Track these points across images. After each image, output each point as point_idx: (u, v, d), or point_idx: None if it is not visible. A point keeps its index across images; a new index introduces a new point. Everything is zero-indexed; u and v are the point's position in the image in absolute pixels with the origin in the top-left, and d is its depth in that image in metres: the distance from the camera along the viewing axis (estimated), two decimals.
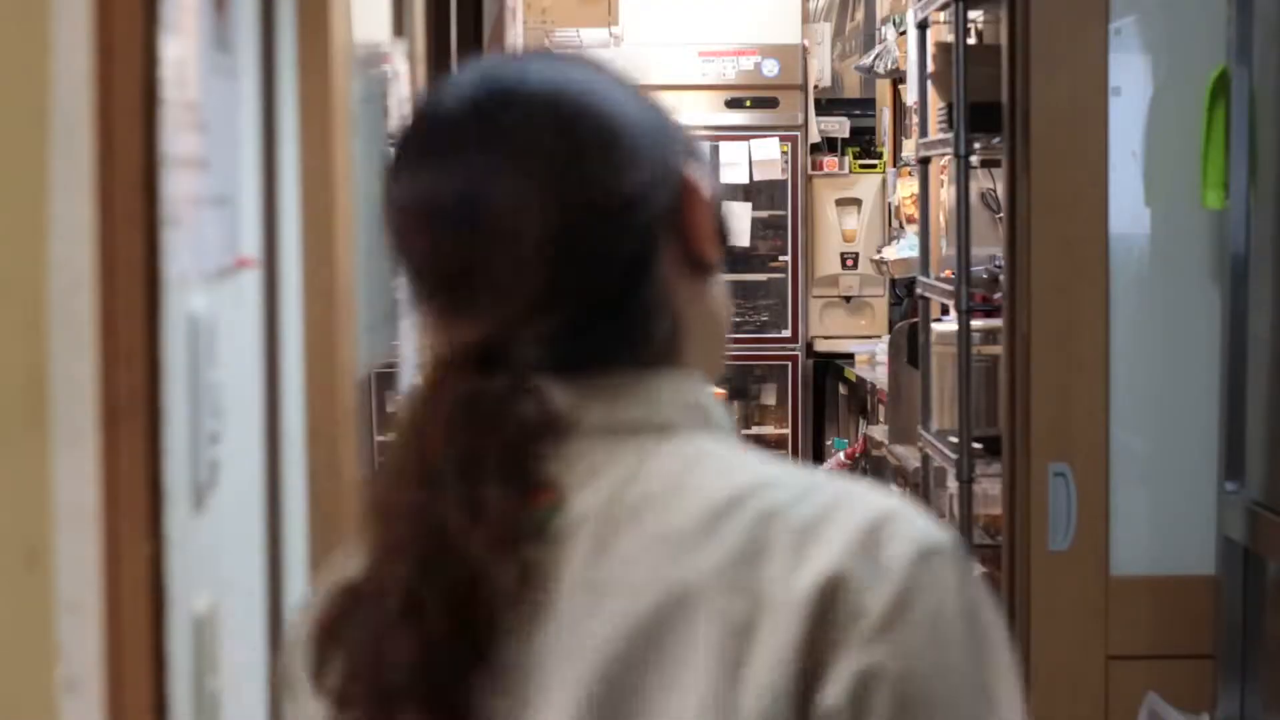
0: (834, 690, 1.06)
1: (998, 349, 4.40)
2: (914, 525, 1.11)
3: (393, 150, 1.24)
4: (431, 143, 1.20)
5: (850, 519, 1.10)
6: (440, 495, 1.14)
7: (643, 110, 1.22)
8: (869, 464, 7.14)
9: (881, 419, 7.15)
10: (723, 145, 9.02)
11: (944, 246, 5.73)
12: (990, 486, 4.60)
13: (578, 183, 1.17)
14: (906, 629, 1.07)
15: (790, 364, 9.07)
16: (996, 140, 4.26)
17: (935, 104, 5.27)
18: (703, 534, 1.11)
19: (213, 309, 1.61)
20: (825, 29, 9.48)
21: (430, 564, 1.13)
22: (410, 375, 3.15)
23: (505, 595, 1.12)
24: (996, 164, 4.96)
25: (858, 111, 9.45)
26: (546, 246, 1.16)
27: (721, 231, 1.25)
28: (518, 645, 1.13)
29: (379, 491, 1.19)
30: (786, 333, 9.03)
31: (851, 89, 9.64)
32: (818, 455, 8.90)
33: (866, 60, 8.12)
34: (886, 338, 7.19)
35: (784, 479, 1.14)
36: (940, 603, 1.09)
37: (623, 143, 1.19)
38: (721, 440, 1.19)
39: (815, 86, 9.25)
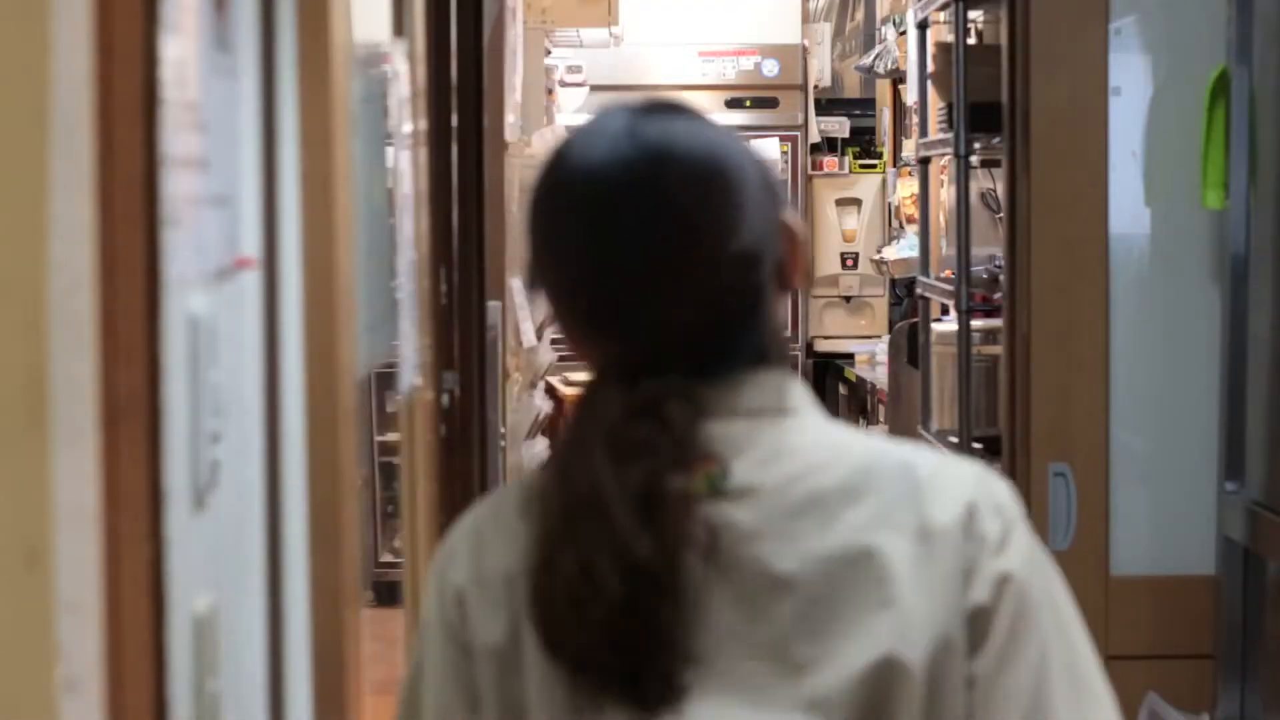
0: (980, 589, 1.47)
1: (998, 349, 4.40)
2: (997, 476, 1.54)
3: (541, 195, 1.53)
4: (591, 196, 1.49)
5: (960, 470, 1.52)
6: (627, 470, 1.45)
7: (754, 165, 1.53)
8: None
9: (881, 419, 7.15)
10: None
11: (944, 246, 5.74)
12: None
13: (720, 235, 1.49)
14: (1014, 545, 1.49)
15: (790, 364, 9.07)
16: (996, 140, 4.26)
17: (935, 104, 5.27)
18: (865, 484, 1.48)
19: (213, 309, 1.61)
20: (825, 29, 9.49)
21: (626, 522, 1.44)
22: (410, 375, 3.15)
23: (692, 544, 1.44)
24: (996, 164, 4.96)
25: (858, 111, 9.46)
26: (697, 287, 1.49)
27: (807, 264, 1.60)
28: (708, 586, 1.45)
29: (562, 470, 1.49)
30: (786, 333, 9.01)
31: (851, 89, 9.64)
32: None
33: (866, 60, 8.13)
34: (886, 338, 7.19)
35: (889, 445, 1.54)
36: (1025, 527, 1.52)
37: (749, 201, 1.50)
38: (825, 417, 1.55)
39: (815, 86, 9.25)
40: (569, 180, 1.51)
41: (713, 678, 1.46)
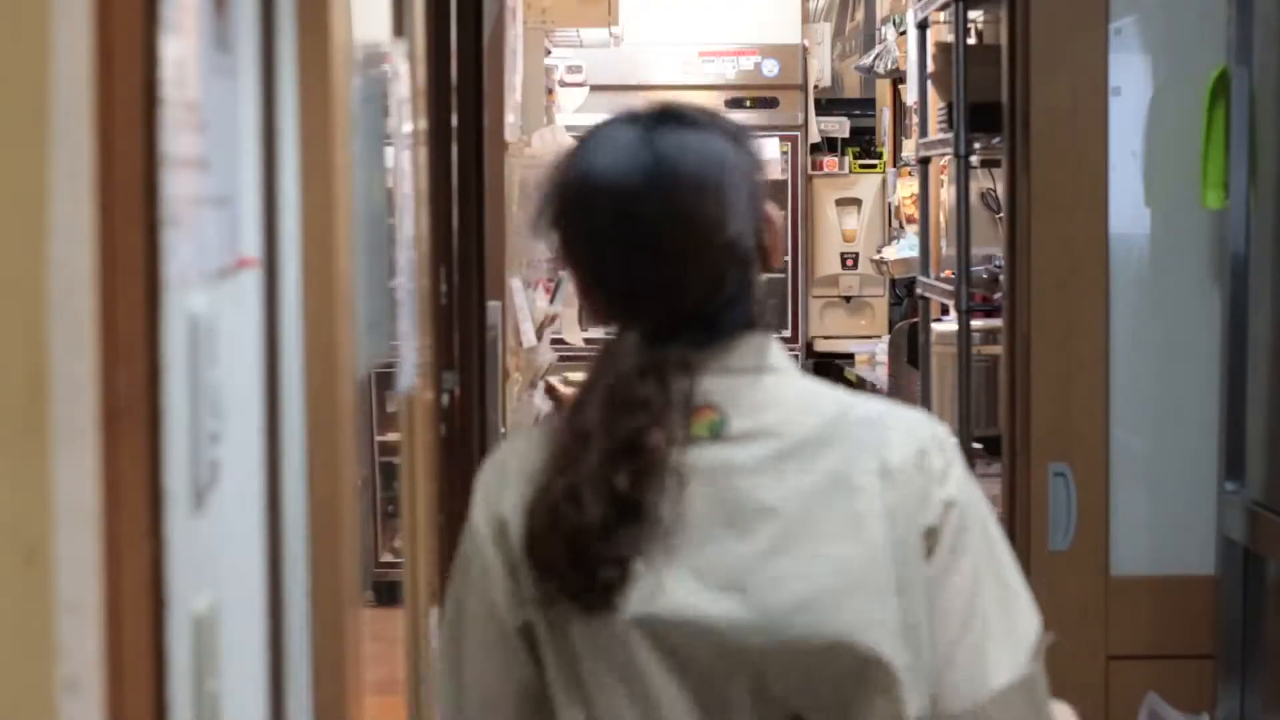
0: (930, 512, 1.85)
1: (998, 349, 4.40)
2: (938, 422, 1.93)
3: (571, 194, 1.88)
4: (617, 198, 1.85)
5: (911, 417, 1.91)
6: (622, 421, 1.82)
7: (745, 165, 1.89)
8: None
9: None
10: None
11: (944, 246, 5.74)
12: (990, 486, 4.60)
13: (719, 228, 1.85)
14: (953, 476, 1.87)
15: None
16: (996, 140, 4.26)
17: (935, 104, 5.27)
18: (836, 433, 1.85)
19: (213, 309, 1.61)
20: (825, 29, 9.48)
21: (610, 461, 1.81)
22: (410, 375, 3.15)
23: (663, 486, 1.81)
24: (996, 164, 4.96)
25: (858, 111, 9.46)
26: (700, 268, 1.86)
27: (781, 245, 2.12)
28: (706, 509, 1.82)
29: (572, 412, 1.86)
30: (787, 333, 9.03)
31: (851, 89, 9.64)
32: None
33: (866, 60, 8.13)
34: (886, 338, 7.20)
35: (852, 397, 1.92)
36: (961, 460, 1.90)
37: (740, 198, 1.88)
38: (800, 373, 1.93)
39: (815, 86, 9.25)
40: (597, 183, 1.87)
41: (698, 582, 1.82)
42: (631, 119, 1.88)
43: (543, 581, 1.84)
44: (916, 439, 1.86)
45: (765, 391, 1.86)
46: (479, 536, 1.89)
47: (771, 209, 1.93)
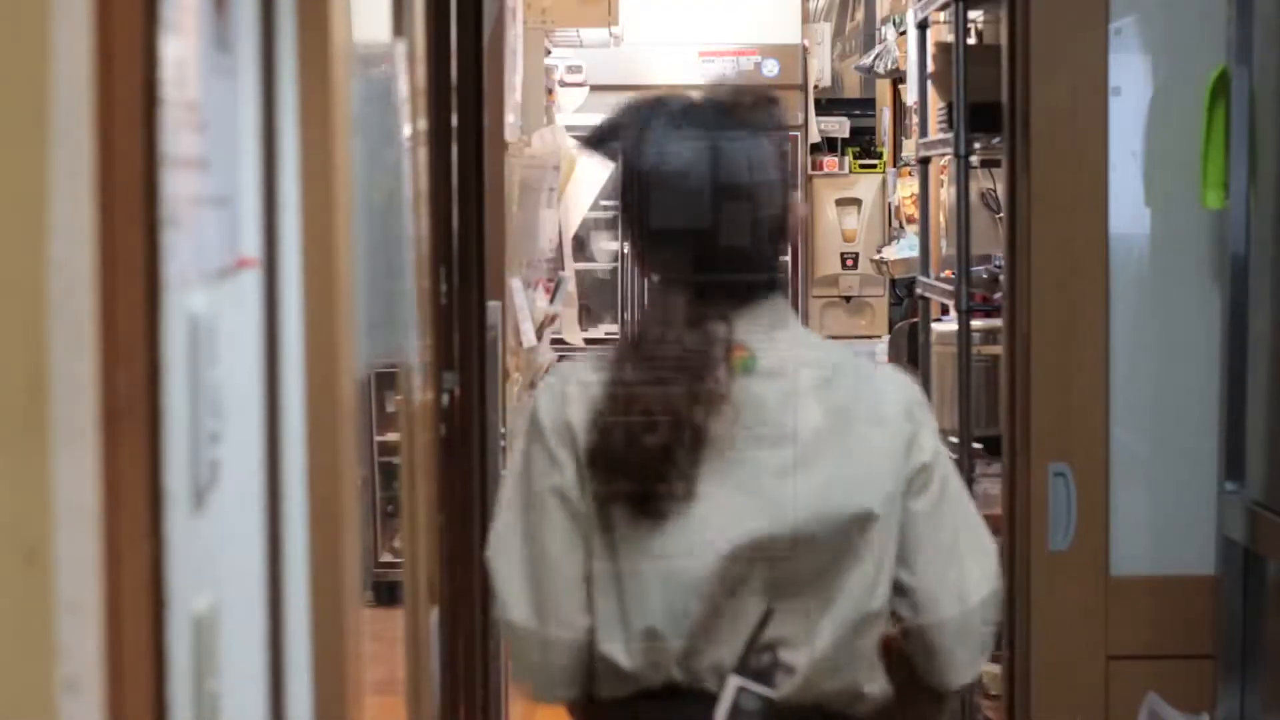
0: (919, 454, 2.37)
1: (998, 349, 4.40)
2: (914, 380, 2.50)
3: (653, 175, 2.38)
4: (691, 183, 2.36)
5: (897, 375, 2.48)
6: (691, 356, 2.31)
7: (782, 164, 2.45)
8: None
9: None
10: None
11: (944, 246, 5.74)
12: (990, 486, 4.60)
13: (763, 208, 2.39)
14: (931, 429, 2.40)
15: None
16: (996, 140, 4.26)
17: (935, 104, 5.27)
18: (842, 375, 2.37)
19: (213, 309, 1.61)
20: (825, 29, 9.48)
21: (692, 386, 2.30)
22: (413, 373, 3.15)
23: (721, 412, 2.31)
24: (996, 164, 4.96)
25: (858, 111, 9.46)
26: (746, 240, 2.38)
27: (801, 228, 2.98)
28: (742, 436, 2.32)
29: (636, 350, 2.36)
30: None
31: (851, 89, 9.64)
32: None
33: (866, 60, 8.12)
34: (886, 338, 7.19)
35: (846, 350, 2.54)
36: (933, 419, 2.45)
37: (778, 189, 2.41)
38: (805, 328, 2.52)
39: (815, 86, 9.25)
40: (677, 169, 2.37)
41: (734, 493, 2.30)
42: (709, 106, 2.39)
43: (604, 484, 2.30)
44: (906, 394, 2.41)
45: (785, 340, 2.37)
46: (548, 435, 2.33)
47: (794, 198, 2.48)
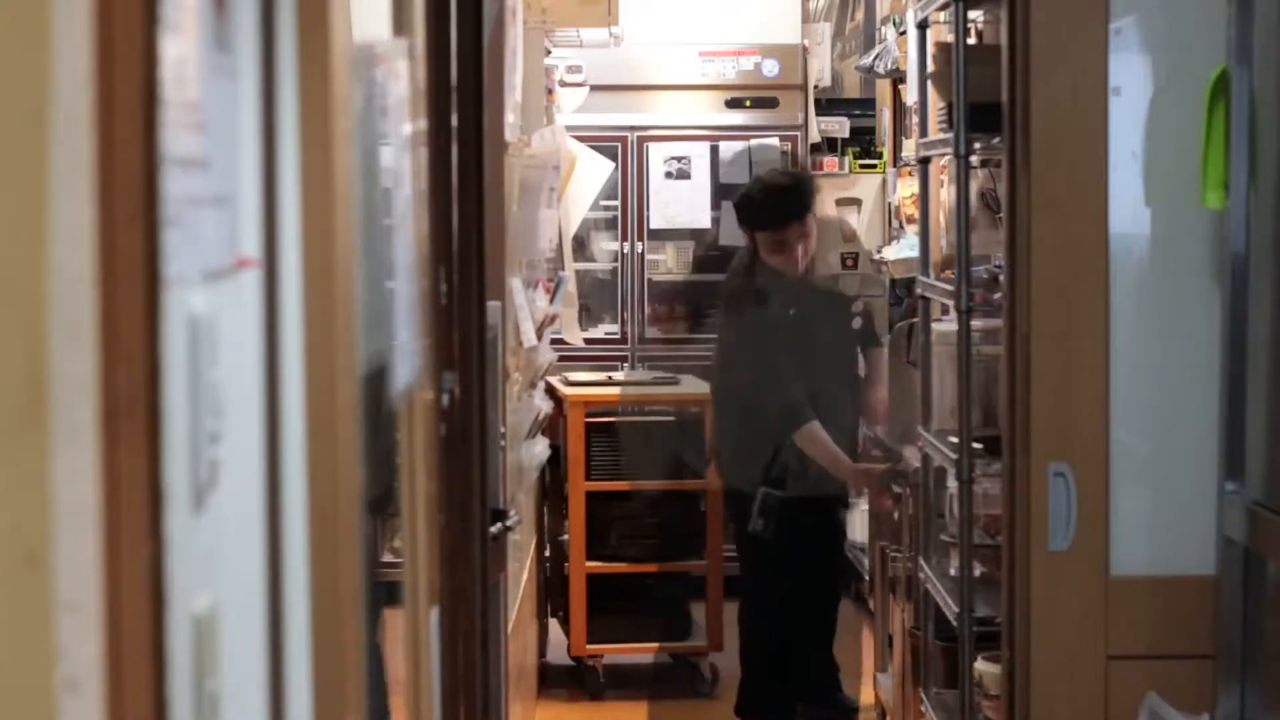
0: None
1: (998, 349, 4.40)
2: None
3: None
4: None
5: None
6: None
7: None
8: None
9: None
10: (722, 145, 9.02)
11: (944, 246, 5.74)
12: (990, 486, 4.59)
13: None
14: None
15: None
16: (996, 140, 4.26)
17: (935, 104, 5.27)
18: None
19: (213, 309, 1.61)
20: (825, 29, 9.48)
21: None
22: (409, 375, 3.15)
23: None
24: (996, 164, 4.96)
25: (858, 111, 9.45)
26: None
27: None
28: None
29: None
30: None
31: (851, 89, 9.64)
32: None
33: (866, 60, 8.12)
34: (887, 338, 7.19)
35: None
36: None
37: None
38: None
39: (815, 86, 9.25)
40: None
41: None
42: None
43: None
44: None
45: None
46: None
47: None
